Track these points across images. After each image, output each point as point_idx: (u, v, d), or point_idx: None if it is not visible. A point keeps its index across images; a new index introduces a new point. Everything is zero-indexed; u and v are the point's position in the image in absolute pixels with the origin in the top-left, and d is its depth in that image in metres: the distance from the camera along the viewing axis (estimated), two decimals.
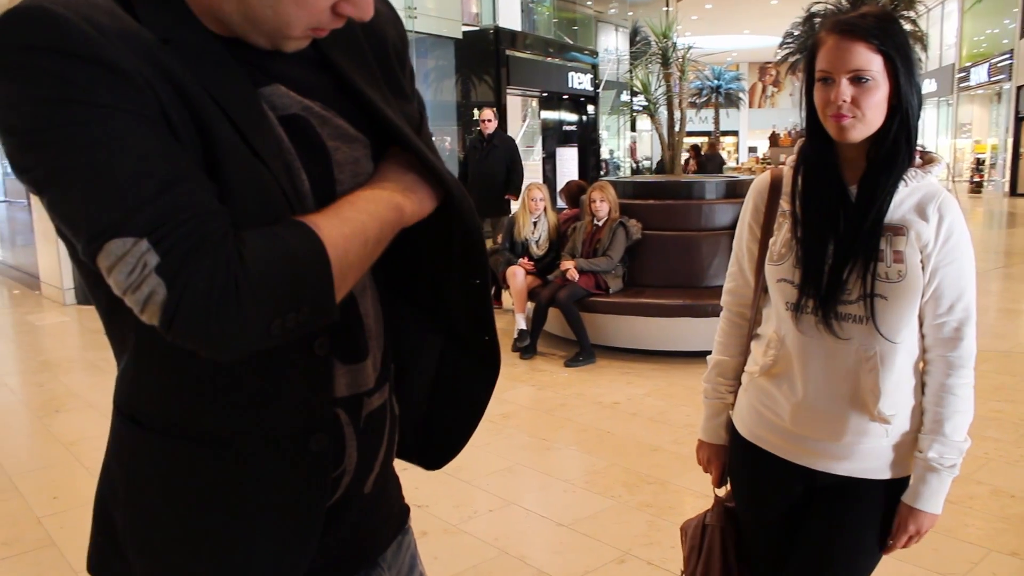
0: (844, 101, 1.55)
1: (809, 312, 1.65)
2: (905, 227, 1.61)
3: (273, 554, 1.01)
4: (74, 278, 9.13)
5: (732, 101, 32.38)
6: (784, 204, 1.75)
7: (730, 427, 1.92)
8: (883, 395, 1.63)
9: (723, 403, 1.95)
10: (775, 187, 1.80)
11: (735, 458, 1.92)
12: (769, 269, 1.74)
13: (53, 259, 9.37)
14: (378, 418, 1.11)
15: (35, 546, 3.43)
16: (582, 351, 6.15)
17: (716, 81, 31.24)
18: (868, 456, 1.69)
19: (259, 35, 0.94)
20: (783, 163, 1.84)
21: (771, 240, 1.76)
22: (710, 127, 31.60)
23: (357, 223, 0.92)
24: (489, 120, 8.59)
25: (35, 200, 9.78)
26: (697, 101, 30.45)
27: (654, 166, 18.44)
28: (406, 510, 1.31)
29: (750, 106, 36.54)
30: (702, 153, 19.67)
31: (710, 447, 1.99)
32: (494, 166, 8.57)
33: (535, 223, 6.91)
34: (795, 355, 1.71)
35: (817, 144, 1.67)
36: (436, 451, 1.28)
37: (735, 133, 36.60)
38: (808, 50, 1.67)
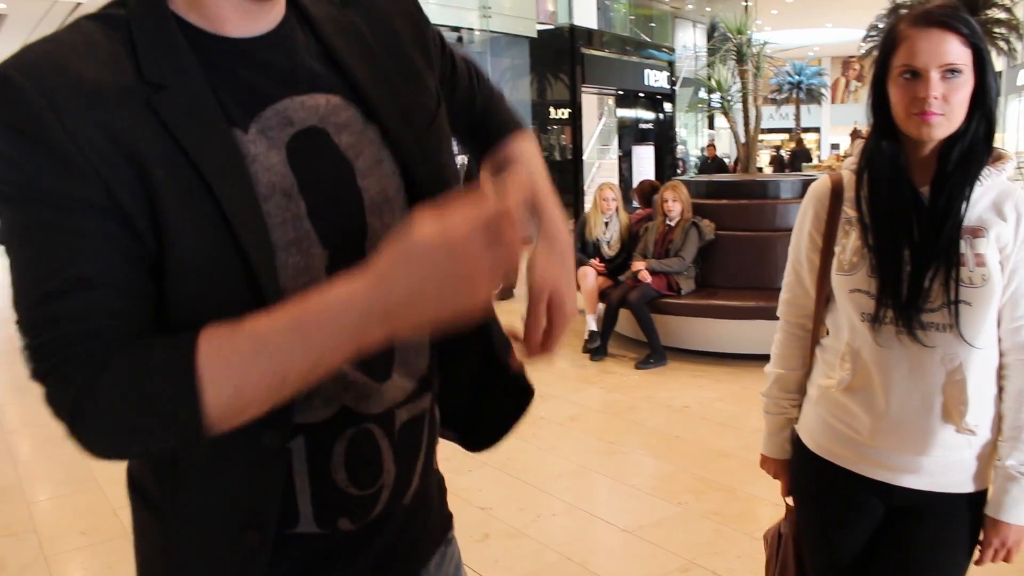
0: (935, 97, 1.46)
1: (888, 323, 1.57)
2: (984, 228, 1.53)
3: None
4: None
5: (813, 97, 31.67)
6: (849, 210, 1.66)
7: (795, 441, 1.84)
8: (970, 405, 1.55)
9: (786, 418, 1.86)
10: (836, 193, 1.70)
11: (801, 473, 1.84)
12: (839, 280, 1.65)
13: None
14: (415, 428, 1.08)
15: (110, 536, 3.56)
16: (653, 353, 6.08)
17: (797, 76, 30.59)
18: (951, 469, 1.61)
19: None
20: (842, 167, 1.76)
21: (837, 249, 1.67)
22: (791, 124, 30.97)
23: (278, 360, 0.78)
24: None
25: None
26: (777, 97, 29.91)
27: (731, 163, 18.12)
28: (448, 517, 1.27)
29: (832, 101, 35.66)
30: (782, 151, 19.47)
31: (775, 462, 1.91)
32: None
33: (607, 223, 6.85)
34: (874, 368, 1.62)
35: (886, 145, 1.58)
36: (480, 435, 1.24)
37: (816, 130, 35.72)
38: (883, 44, 1.57)
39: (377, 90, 1.00)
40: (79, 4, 9.74)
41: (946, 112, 1.47)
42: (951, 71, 1.46)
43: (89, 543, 3.55)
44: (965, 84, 1.48)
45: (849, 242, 1.64)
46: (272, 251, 0.88)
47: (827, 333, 1.77)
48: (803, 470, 1.82)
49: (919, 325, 1.54)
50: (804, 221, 1.76)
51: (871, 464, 1.66)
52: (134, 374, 0.79)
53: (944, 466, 1.61)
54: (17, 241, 0.81)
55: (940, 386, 1.57)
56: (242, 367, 0.79)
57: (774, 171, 20.12)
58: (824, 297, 1.73)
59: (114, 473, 4.07)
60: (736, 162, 16.56)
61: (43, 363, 0.80)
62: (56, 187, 0.79)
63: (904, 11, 1.61)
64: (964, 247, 1.52)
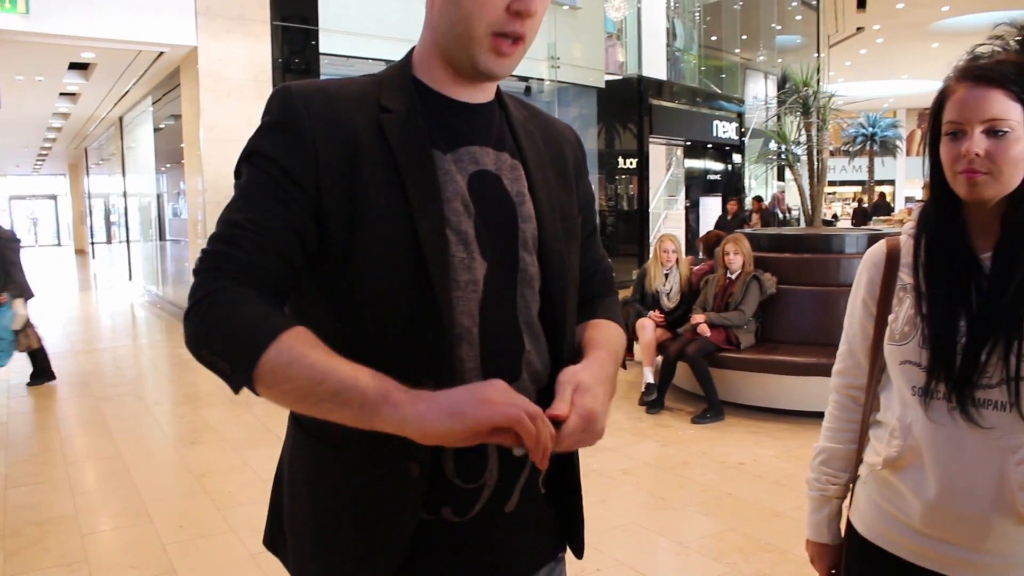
0: (977, 155, 1.37)
1: (940, 398, 1.44)
2: None
3: (353, 558, 1.20)
4: None
5: (888, 149, 31.14)
6: (904, 277, 1.55)
7: (847, 525, 1.69)
8: None
9: (825, 496, 1.72)
10: (892, 258, 1.59)
11: (852, 560, 1.67)
12: (890, 350, 1.54)
13: None
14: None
15: (158, 571, 3.62)
16: (710, 407, 5.99)
17: (871, 128, 30.16)
18: (1019, 567, 1.43)
19: (456, 64, 1.20)
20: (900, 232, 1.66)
21: (890, 318, 1.56)
22: (864, 176, 30.48)
23: (315, 392, 1.03)
24: None
25: (192, 239, 10.46)
26: (850, 149, 29.51)
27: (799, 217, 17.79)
28: (561, 541, 1.39)
29: (908, 154, 34.96)
30: (863, 203, 19.04)
31: (813, 545, 1.76)
32: None
33: (667, 275, 6.81)
34: (924, 446, 1.47)
35: (942, 207, 1.49)
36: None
37: (891, 182, 35.10)
38: (935, 102, 1.48)
39: (538, 175, 1.28)
40: (161, 54, 10.14)
41: (992, 171, 1.38)
42: (994, 129, 1.37)
43: None
44: (1015, 142, 1.38)
45: (902, 310, 1.54)
46: (446, 243, 1.15)
47: (879, 408, 1.64)
48: (854, 556, 1.67)
49: (973, 402, 1.41)
50: (859, 288, 1.66)
51: (926, 553, 1.50)
52: (239, 308, 1.07)
53: (1009, 563, 1.43)
54: (239, 186, 1.16)
55: (998, 470, 1.40)
56: (291, 369, 1.03)
57: (855, 223, 19.68)
58: (877, 369, 1.62)
59: (166, 509, 4.17)
60: (763, 215, 15.84)
61: (202, 263, 1.11)
62: (284, 161, 1.13)
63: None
64: None
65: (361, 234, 1.12)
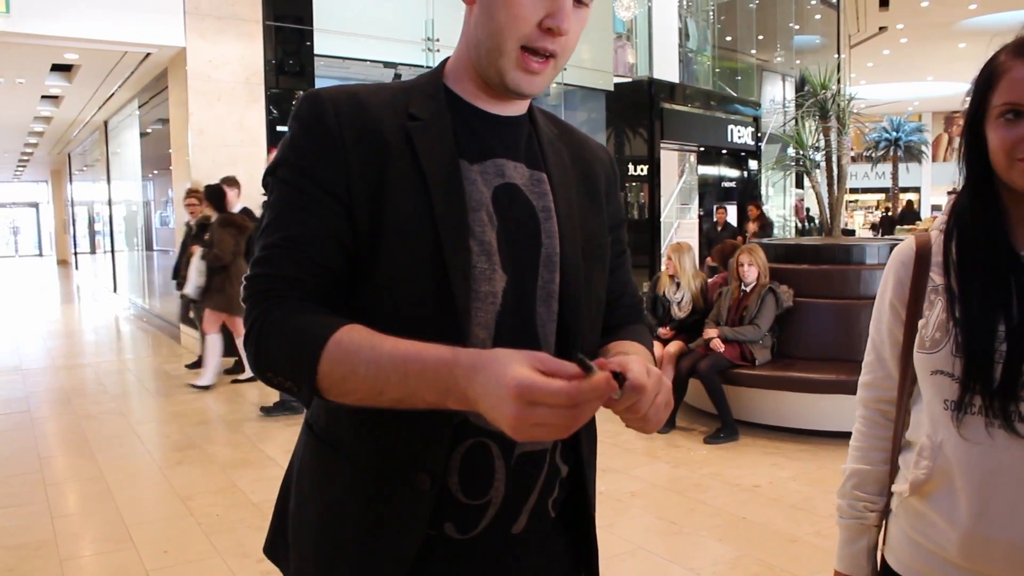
0: None
1: (976, 412, 1.36)
2: None
3: (356, 569, 1.24)
4: None
5: (913, 154, 31.08)
6: (936, 277, 1.47)
7: (881, 563, 1.60)
8: None
9: (862, 524, 1.61)
10: (922, 257, 1.51)
11: None
12: (920, 359, 1.46)
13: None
14: (533, 461, 1.26)
15: None
16: (724, 427, 5.99)
17: (894, 133, 30.15)
18: None
19: (486, 78, 1.23)
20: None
21: (920, 323, 1.48)
22: (888, 183, 30.47)
23: (380, 377, 1.06)
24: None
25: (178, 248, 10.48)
26: (873, 155, 29.50)
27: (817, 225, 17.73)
28: (576, 571, 1.40)
29: (934, 160, 34.95)
30: (889, 213, 18.80)
31: None
32: None
33: (678, 283, 6.82)
34: (956, 467, 1.39)
35: (982, 201, 1.42)
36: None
37: (916, 189, 35.03)
38: (980, 81, 1.40)
39: (561, 191, 1.31)
40: (148, 55, 10.19)
41: None
42: None
43: None
44: None
45: (934, 315, 1.45)
46: (469, 252, 1.18)
47: (909, 426, 1.56)
48: None
49: (1015, 416, 1.33)
50: (885, 290, 1.58)
51: None
52: (292, 320, 1.14)
53: None
54: (272, 205, 1.22)
55: None
56: (354, 364, 1.07)
57: (883, 233, 19.52)
58: (909, 380, 1.54)
59: (150, 533, 4.17)
60: (762, 224, 14.79)
61: (247, 289, 1.19)
62: (314, 170, 1.18)
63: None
64: None
65: (386, 240, 1.17)
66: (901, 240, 1.62)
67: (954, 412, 1.39)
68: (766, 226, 14.94)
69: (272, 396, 6.72)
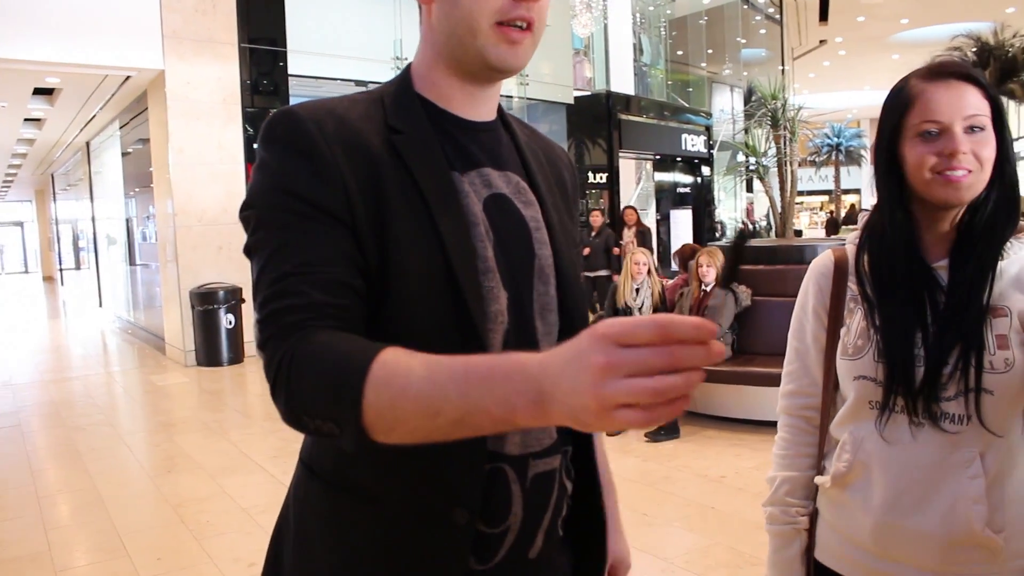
0: (964, 153, 1.31)
1: (899, 411, 1.39)
2: (1005, 307, 1.35)
3: None
4: (195, 340, 9.55)
5: (853, 158, 31.42)
6: (853, 287, 1.49)
7: (812, 562, 1.57)
8: (991, 508, 1.34)
9: (795, 528, 1.57)
10: (840, 268, 1.53)
11: None
12: (843, 364, 1.47)
13: (176, 321, 9.82)
14: (545, 481, 1.16)
15: None
16: (665, 424, 5.94)
17: (836, 139, 30.45)
18: None
19: (466, 67, 1.12)
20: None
21: (842, 330, 1.49)
22: (830, 185, 30.77)
23: (436, 395, 0.83)
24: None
25: (163, 263, 10.35)
26: (816, 159, 29.78)
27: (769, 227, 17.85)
28: None
29: (872, 163, 35.40)
30: (833, 215, 18.97)
31: None
32: None
33: (637, 289, 6.80)
34: (875, 461, 1.42)
35: (896, 217, 1.41)
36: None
37: (857, 191, 35.48)
38: (893, 105, 1.41)
39: (548, 198, 1.23)
40: (128, 78, 10.03)
41: (974, 169, 1.33)
42: (974, 126, 1.33)
43: None
44: (989, 141, 1.34)
45: (854, 322, 1.47)
46: (477, 273, 1.08)
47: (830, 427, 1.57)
48: None
49: (940, 415, 1.36)
50: (807, 299, 1.57)
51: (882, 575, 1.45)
52: (325, 353, 0.92)
53: None
54: (265, 238, 1.02)
55: (952, 486, 1.36)
56: (404, 383, 0.85)
57: (828, 234, 19.77)
58: (832, 384, 1.54)
59: (143, 541, 4.08)
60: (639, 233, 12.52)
61: (264, 331, 0.98)
62: (310, 193, 1.01)
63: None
64: (984, 329, 1.35)
65: (394, 265, 1.03)
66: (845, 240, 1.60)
67: (879, 412, 1.41)
68: (644, 233, 12.99)
69: (251, 408, 6.62)
